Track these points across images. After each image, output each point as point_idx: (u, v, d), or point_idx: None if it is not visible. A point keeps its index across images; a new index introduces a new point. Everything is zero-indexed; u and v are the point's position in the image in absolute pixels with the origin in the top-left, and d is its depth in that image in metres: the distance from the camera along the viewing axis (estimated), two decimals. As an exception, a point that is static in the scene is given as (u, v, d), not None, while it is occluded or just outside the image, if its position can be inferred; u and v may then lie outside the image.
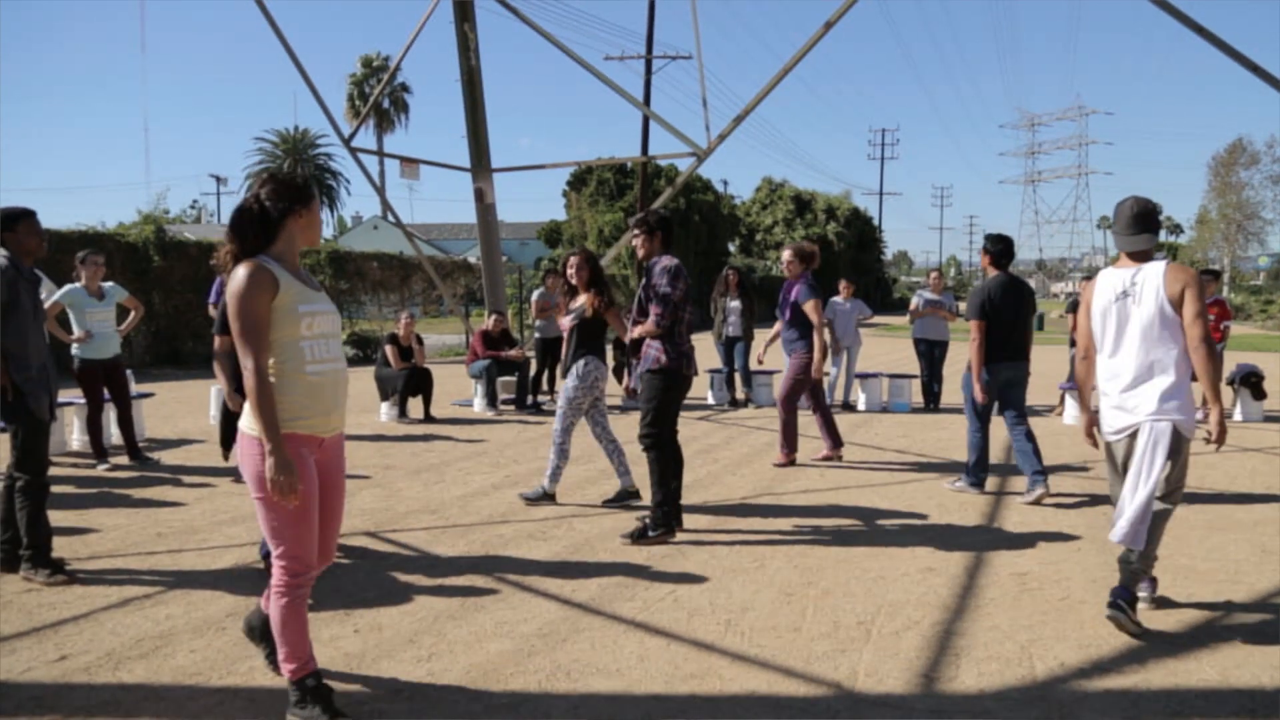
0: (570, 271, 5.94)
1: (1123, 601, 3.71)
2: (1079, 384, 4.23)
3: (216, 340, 5.49)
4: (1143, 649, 3.64)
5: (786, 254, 7.20)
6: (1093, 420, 4.11)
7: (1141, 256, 3.87)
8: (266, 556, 4.33)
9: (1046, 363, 18.31)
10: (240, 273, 2.86)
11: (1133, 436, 3.80)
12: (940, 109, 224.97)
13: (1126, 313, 3.81)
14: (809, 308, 7.00)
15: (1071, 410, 10.08)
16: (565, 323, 5.92)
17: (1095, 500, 6.19)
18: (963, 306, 9.59)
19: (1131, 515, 3.68)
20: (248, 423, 2.90)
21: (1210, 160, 52.14)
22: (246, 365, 2.81)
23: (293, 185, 2.99)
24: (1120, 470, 3.90)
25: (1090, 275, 17.35)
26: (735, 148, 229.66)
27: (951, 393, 11.77)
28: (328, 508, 3.03)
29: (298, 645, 2.97)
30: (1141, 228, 3.84)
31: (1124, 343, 3.81)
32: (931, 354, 11.06)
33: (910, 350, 11.78)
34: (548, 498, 6.02)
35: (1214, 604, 4.16)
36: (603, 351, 5.95)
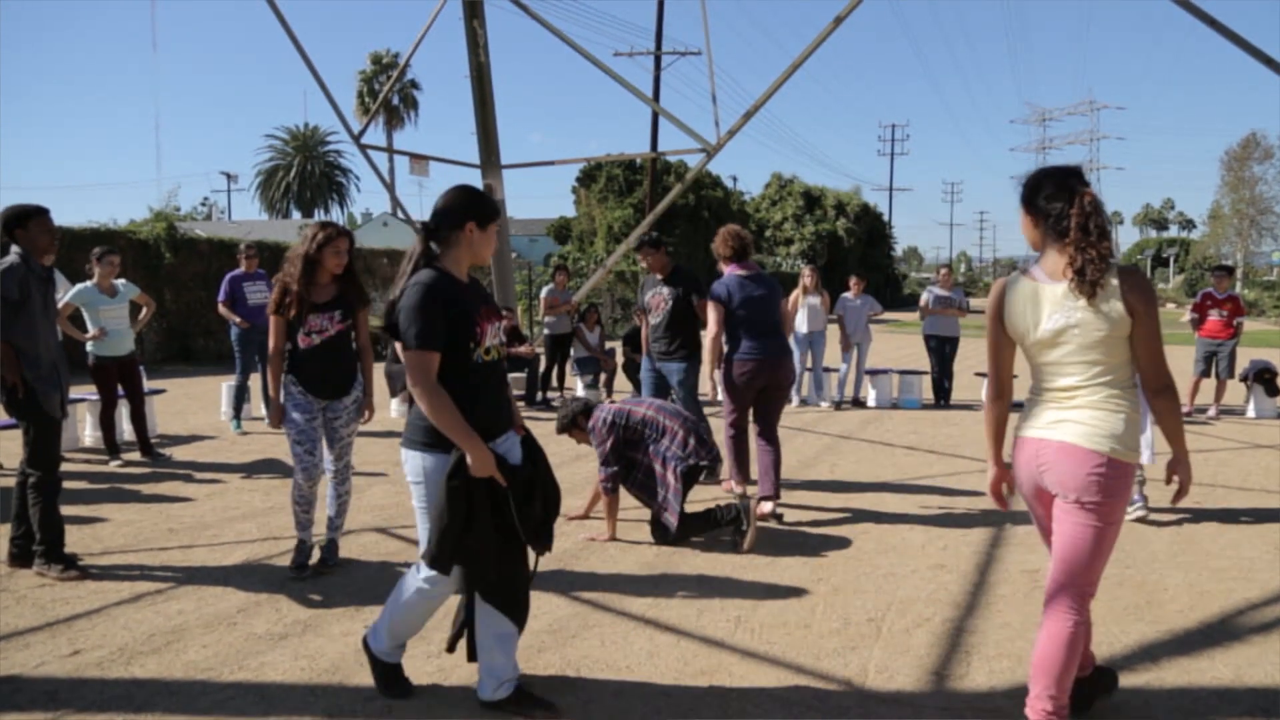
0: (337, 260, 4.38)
1: None
2: None
3: (425, 356, 2.82)
4: (1155, 647, 3.62)
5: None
6: None
7: None
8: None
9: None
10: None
11: None
12: (950, 104, 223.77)
13: None
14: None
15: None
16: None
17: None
18: (974, 303, 9.54)
19: None
20: (1118, 446, 2.61)
21: (1223, 155, 51.82)
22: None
23: None
24: None
25: None
26: (744, 144, 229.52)
27: (962, 389, 11.73)
28: None
29: (1066, 682, 2.72)
30: None
31: None
32: (942, 350, 11.02)
33: (921, 346, 11.74)
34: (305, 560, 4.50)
35: (1227, 602, 4.13)
36: None
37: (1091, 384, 2.64)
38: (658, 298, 6.23)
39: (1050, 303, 2.66)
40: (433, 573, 2.95)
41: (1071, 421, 2.66)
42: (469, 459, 2.82)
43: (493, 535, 2.90)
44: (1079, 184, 2.64)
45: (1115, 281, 2.58)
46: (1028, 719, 2.76)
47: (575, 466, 7.21)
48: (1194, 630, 3.81)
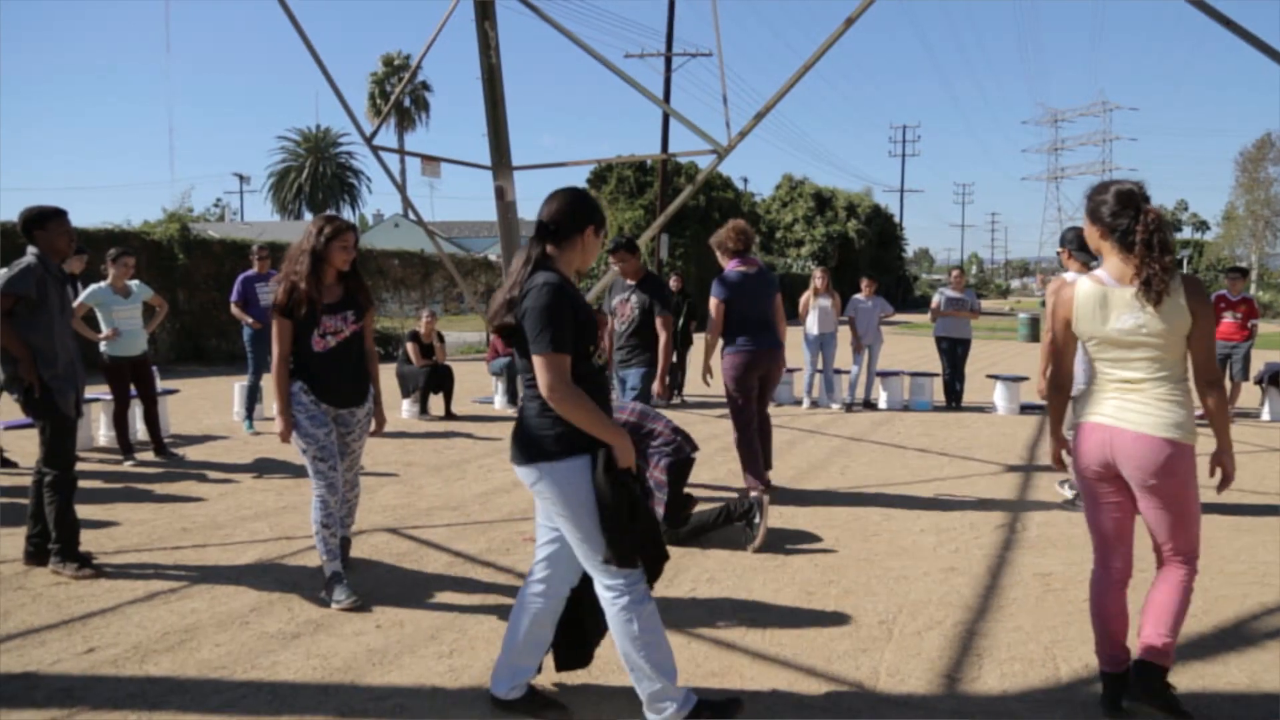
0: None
1: None
2: None
3: (560, 359, 2.71)
4: (1169, 651, 3.60)
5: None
6: None
7: None
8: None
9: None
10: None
11: None
12: (962, 105, 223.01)
13: None
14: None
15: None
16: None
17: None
18: (985, 305, 9.49)
19: None
20: (1179, 432, 2.88)
21: (1238, 156, 51.48)
22: None
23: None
24: None
25: None
26: (755, 145, 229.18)
27: (974, 391, 11.69)
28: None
29: (1177, 625, 3.04)
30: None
31: None
32: (954, 352, 10.99)
33: (932, 348, 11.70)
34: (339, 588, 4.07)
35: (1242, 606, 4.11)
36: None
37: (1153, 378, 2.93)
38: (626, 305, 6.12)
39: (1119, 305, 2.92)
40: (624, 579, 2.78)
41: (1138, 411, 2.94)
42: (616, 450, 2.72)
43: (655, 517, 2.85)
44: (1142, 200, 2.90)
45: (1179, 289, 2.86)
46: (1140, 653, 3.01)
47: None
48: (1208, 635, 3.79)
